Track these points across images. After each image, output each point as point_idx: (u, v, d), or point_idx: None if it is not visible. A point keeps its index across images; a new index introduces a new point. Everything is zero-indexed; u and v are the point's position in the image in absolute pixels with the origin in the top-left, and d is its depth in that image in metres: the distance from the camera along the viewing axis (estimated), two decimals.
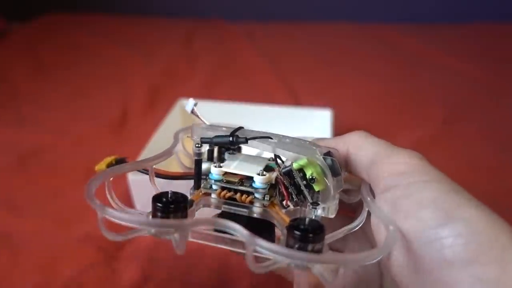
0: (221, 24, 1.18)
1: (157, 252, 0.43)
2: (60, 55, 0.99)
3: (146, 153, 0.49)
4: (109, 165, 0.26)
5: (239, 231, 0.20)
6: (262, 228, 0.25)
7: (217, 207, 0.25)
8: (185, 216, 0.22)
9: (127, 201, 0.48)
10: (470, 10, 1.24)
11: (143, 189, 0.44)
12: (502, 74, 0.90)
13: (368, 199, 0.24)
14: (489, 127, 0.70)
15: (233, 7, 1.33)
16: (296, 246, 0.19)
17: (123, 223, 0.20)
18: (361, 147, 0.25)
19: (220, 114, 0.64)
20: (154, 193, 0.23)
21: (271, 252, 0.18)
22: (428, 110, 0.75)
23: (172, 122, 0.58)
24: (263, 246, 0.18)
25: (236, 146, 0.26)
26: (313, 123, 0.60)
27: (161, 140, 0.51)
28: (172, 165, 0.30)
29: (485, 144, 0.65)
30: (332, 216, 0.24)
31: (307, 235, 0.19)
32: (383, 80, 0.88)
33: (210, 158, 0.27)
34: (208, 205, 0.26)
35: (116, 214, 0.20)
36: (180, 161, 0.29)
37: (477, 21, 1.16)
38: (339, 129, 0.60)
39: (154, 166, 0.27)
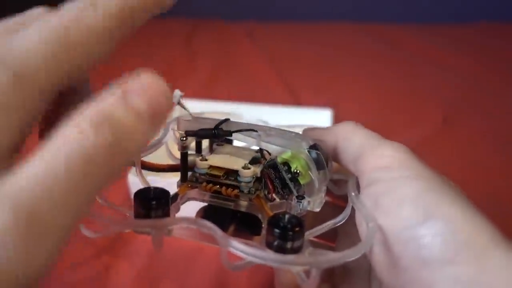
0: (221, 24, 1.18)
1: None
2: None
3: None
4: None
5: (214, 231, 0.20)
6: (250, 219, 0.25)
7: (203, 200, 0.25)
8: (166, 212, 0.22)
9: (127, 200, 0.48)
10: (470, 10, 1.24)
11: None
12: (502, 74, 0.90)
13: (353, 194, 0.24)
14: (489, 127, 0.70)
15: (233, 7, 1.33)
16: (275, 243, 0.19)
17: (100, 222, 0.20)
18: (349, 139, 0.25)
19: (220, 114, 0.64)
20: (141, 186, 0.23)
21: (244, 254, 0.19)
22: (428, 109, 0.75)
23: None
24: (236, 248, 0.19)
25: (221, 139, 0.26)
26: (313, 123, 0.60)
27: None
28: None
29: (485, 144, 0.65)
30: (318, 209, 0.24)
31: (286, 232, 0.19)
32: (383, 79, 0.88)
33: (199, 150, 0.27)
34: (194, 198, 0.26)
35: (94, 214, 0.20)
36: (170, 152, 0.29)
37: (478, 21, 1.16)
38: None
39: (142, 158, 0.27)
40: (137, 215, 0.22)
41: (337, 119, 0.60)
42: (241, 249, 0.19)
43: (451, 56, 0.97)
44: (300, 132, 0.28)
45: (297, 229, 0.20)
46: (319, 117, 0.60)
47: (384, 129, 0.69)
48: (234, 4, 1.33)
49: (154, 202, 0.21)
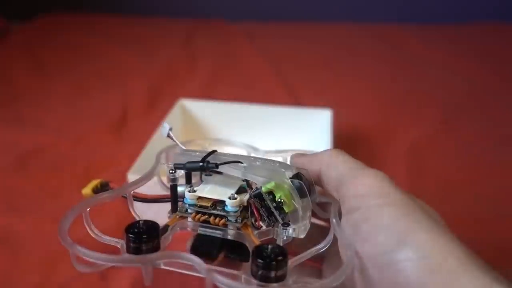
0: (221, 24, 1.18)
1: None
2: (60, 55, 0.99)
3: (146, 154, 0.49)
4: (95, 189, 0.28)
5: (199, 265, 0.21)
6: (239, 245, 0.26)
7: (193, 229, 0.26)
8: (157, 244, 0.23)
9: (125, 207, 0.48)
10: (470, 10, 1.24)
11: None
12: (502, 74, 0.90)
13: (334, 221, 0.25)
14: (488, 127, 0.70)
15: (233, 7, 1.33)
16: (259, 273, 0.20)
17: (91, 260, 0.21)
18: (331, 166, 0.26)
19: (220, 114, 0.64)
20: (133, 219, 0.24)
21: (226, 287, 0.20)
22: (428, 110, 0.75)
23: (172, 122, 0.58)
24: (219, 281, 0.20)
25: (208, 171, 0.27)
26: (313, 123, 0.60)
27: (161, 140, 0.51)
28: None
29: (485, 144, 0.65)
30: (302, 236, 0.25)
31: (269, 262, 0.20)
32: (383, 80, 0.88)
33: (188, 181, 0.28)
34: (185, 228, 0.27)
35: (85, 252, 0.21)
36: (161, 182, 0.30)
37: (477, 21, 1.16)
38: (339, 129, 0.60)
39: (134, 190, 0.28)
40: (129, 249, 0.23)
41: (337, 119, 0.60)
42: (224, 283, 0.20)
43: (451, 56, 0.97)
44: (288, 158, 0.29)
45: (280, 258, 0.21)
46: (319, 117, 0.60)
47: (384, 129, 0.69)
48: (234, 4, 1.33)
49: (144, 236, 0.22)
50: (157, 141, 0.52)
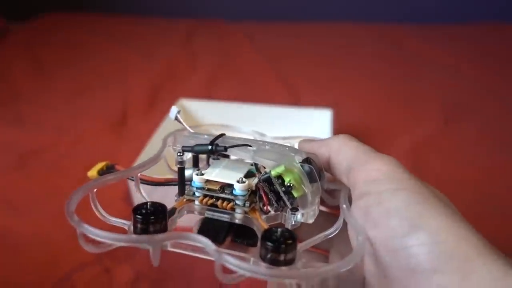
0: (221, 24, 1.18)
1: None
2: (60, 55, 0.99)
3: (146, 153, 0.49)
4: (100, 171, 0.28)
5: (208, 246, 0.20)
6: (246, 230, 0.25)
7: (200, 213, 0.26)
8: (164, 226, 0.23)
9: (128, 199, 0.48)
10: (470, 10, 1.24)
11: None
12: (502, 74, 0.90)
13: (344, 206, 0.25)
14: (489, 127, 0.70)
15: (233, 7, 1.33)
16: (269, 256, 0.20)
17: (98, 239, 0.21)
18: (341, 152, 0.26)
19: (220, 114, 0.64)
20: (141, 200, 0.24)
21: (237, 268, 0.19)
22: (428, 110, 0.75)
23: (172, 122, 0.58)
24: (229, 262, 0.19)
25: (216, 155, 0.27)
26: (313, 123, 0.60)
27: (161, 140, 0.51)
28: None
29: (485, 144, 0.65)
30: (311, 221, 0.25)
31: (279, 246, 0.20)
32: (383, 80, 0.88)
33: (196, 165, 0.28)
34: (192, 211, 0.26)
35: (92, 231, 0.21)
36: (168, 165, 0.30)
37: (477, 21, 1.16)
38: (339, 129, 0.60)
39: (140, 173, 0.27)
40: (136, 230, 0.22)
41: (337, 119, 0.60)
42: (233, 263, 0.19)
43: (451, 56, 0.97)
44: (297, 144, 0.29)
45: (289, 242, 0.20)
46: (319, 117, 0.60)
47: (384, 129, 0.69)
48: (234, 4, 1.33)
49: (152, 217, 0.22)
50: (157, 141, 0.52)
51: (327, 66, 0.95)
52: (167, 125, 0.56)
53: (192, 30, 1.14)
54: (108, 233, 0.21)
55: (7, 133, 0.67)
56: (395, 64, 0.95)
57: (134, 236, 0.22)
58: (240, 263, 0.19)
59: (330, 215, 0.30)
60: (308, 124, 0.61)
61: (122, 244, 0.22)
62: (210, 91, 0.82)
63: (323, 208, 0.30)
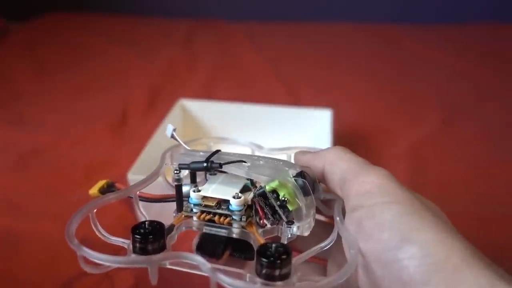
0: (221, 24, 1.18)
1: None
2: (60, 55, 0.99)
3: (146, 153, 0.49)
4: (101, 189, 0.28)
5: (203, 265, 0.21)
6: (244, 244, 0.26)
7: (199, 228, 0.27)
8: (162, 244, 0.23)
9: (129, 206, 0.48)
10: (470, 10, 1.24)
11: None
12: (502, 74, 0.90)
13: (337, 219, 0.25)
14: (489, 127, 0.70)
15: (233, 7, 1.33)
16: (264, 272, 0.21)
17: (98, 261, 0.22)
18: (335, 164, 0.26)
19: (220, 114, 0.64)
20: (140, 219, 0.25)
21: (231, 287, 0.20)
22: (427, 110, 0.75)
23: (172, 122, 0.58)
24: (223, 281, 0.20)
25: (212, 171, 0.27)
26: (313, 123, 0.60)
27: (161, 140, 0.51)
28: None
29: (485, 144, 0.65)
30: (306, 234, 0.25)
31: (274, 261, 0.21)
32: (383, 80, 0.88)
33: (193, 181, 0.28)
34: (190, 227, 0.27)
35: (92, 254, 0.22)
36: (166, 181, 0.30)
37: (476, 21, 1.16)
38: (339, 129, 0.60)
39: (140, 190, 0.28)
40: (135, 250, 0.23)
41: (337, 119, 0.60)
42: (228, 282, 0.20)
43: (451, 56, 0.97)
44: (292, 155, 0.30)
45: (284, 257, 0.21)
46: (319, 117, 0.60)
47: (384, 129, 0.69)
48: (234, 4, 1.33)
49: (150, 237, 0.23)
50: (157, 141, 0.52)
51: (327, 66, 0.95)
52: (167, 125, 0.56)
53: (193, 30, 1.14)
54: (107, 256, 0.21)
55: (7, 133, 0.67)
56: (395, 64, 0.95)
57: (132, 257, 0.23)
58: (234, 281, 0.20)
59: (327, 224, 0.31)
60: (308, 124, 0.61)
61: (121, 266, 0.22)
62: (210, 92, 0.82)
63: (321, 217, 0.31)
